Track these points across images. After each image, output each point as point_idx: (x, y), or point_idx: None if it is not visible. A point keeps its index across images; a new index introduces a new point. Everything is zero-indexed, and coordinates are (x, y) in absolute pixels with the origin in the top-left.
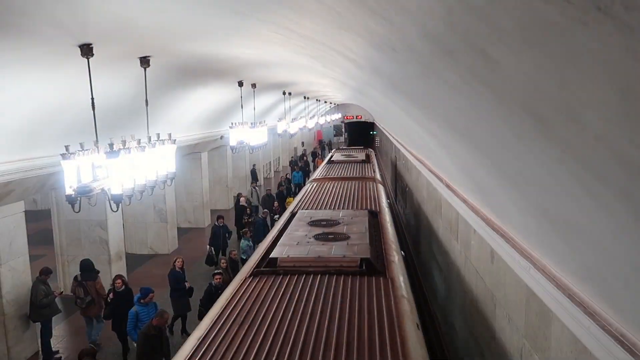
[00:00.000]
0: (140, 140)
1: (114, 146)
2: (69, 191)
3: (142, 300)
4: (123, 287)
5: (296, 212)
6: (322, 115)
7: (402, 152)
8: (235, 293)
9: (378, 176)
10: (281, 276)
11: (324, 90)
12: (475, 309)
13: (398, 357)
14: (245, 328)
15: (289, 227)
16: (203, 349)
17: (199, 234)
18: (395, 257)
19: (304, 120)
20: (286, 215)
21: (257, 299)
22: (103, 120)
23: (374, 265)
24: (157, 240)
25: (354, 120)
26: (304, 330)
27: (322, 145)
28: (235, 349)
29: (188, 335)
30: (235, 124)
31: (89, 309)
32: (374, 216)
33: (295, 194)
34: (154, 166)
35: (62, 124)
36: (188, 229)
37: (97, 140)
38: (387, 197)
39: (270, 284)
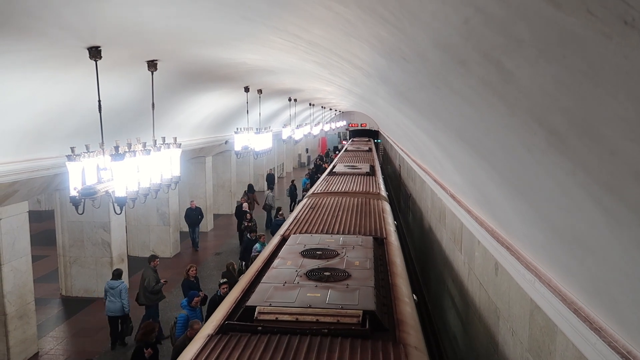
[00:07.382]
0: (145, 143)
1: (120, 149)
2: (73, 193)
3: (190, 305)
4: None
5: (336, 164)
6: (326, 123)
7: (406, 160)
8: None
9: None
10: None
11: (329, 98)
12: (478, 321)
13: None
14: None
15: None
16: None
17: (201, 238)
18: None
19: (309, 127)
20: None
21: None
22: (109, 123)
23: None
24: (159, 244)
25: (359, 128)
26: None
27: (327, 153)
28: None
29: None
30: (241, 129)
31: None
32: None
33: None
34: (158, 169)
35: (69, 125)
36: None
37: (102, 143)
38: (379, 164)
39: None
